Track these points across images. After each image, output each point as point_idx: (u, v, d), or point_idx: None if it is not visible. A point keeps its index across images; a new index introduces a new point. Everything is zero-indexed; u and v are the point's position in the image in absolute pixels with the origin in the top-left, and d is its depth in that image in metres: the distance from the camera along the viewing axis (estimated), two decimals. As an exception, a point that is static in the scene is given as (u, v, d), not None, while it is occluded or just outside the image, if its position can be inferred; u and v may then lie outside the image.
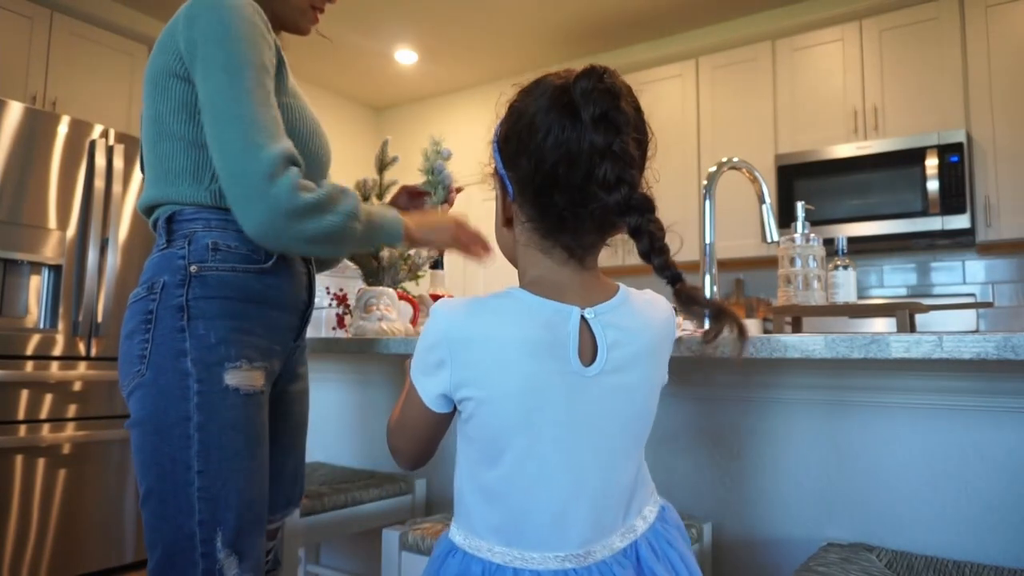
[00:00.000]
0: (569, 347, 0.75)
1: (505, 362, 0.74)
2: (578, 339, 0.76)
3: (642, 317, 0.82)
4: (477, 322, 0.76)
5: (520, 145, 0.78)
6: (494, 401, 0.75)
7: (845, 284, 1.80)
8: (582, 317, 0.76)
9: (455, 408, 0.80)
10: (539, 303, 0.77)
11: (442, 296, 1.85)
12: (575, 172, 0.74)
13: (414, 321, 1.81)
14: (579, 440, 0.76)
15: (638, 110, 0.78)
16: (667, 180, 4.03)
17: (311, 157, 1.14)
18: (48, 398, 2.58)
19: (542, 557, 0.74)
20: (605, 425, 0.77)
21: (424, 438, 0.85)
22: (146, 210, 1.13)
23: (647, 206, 0.73)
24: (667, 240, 0.76)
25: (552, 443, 0.75)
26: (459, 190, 1.62)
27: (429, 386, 0.79)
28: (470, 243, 1.24)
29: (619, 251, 3.96)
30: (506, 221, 0.85)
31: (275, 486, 1.23)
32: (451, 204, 1.62)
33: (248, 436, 1.03)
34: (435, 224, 1.24)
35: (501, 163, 0.82)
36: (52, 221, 2.65)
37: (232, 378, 1.03)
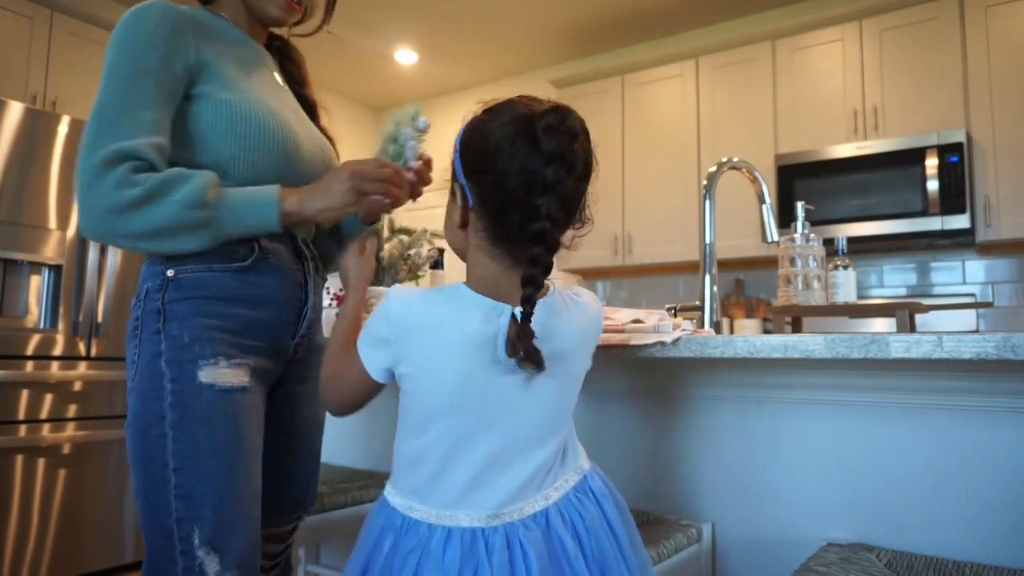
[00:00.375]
0: (498, 341, 0.84)
1: (444, 348, 0.85)
2: (506, 334, 0.85)
3: (567, 315, 0.92)
4: (424, 310, 0.87)
5: (485, 163, 0.86)
6: (429, 382, 0.87)
7: (845, 284, 1.80)
8: (512, 314, 0.85)
9: (391, 380, 0.93)
10: (479, 299, 0.87)
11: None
12: (531, 196, 0.83)
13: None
14: (498, 422, 0.87)
15: (589, 152, 0.88)
16: (667, 180, 4.06)
17: (256, 147, 1.10)
18: (48, 398, 2.58)
19: (453, 515, 0.86)
20: (525, 410, 0.88)
21: (357, 398, 0.97)
22: None
23: (554, 246, 0.85)
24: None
25: (474, 424, 0.87)
26: (426, 163, 1.32)
27: (375, 358, 0.91)
28: (379, 190, 1.09)
29: (619, 251, 3.96)
30: (462, 223, 0.91)
31: (283, 488, 1.21)
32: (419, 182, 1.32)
33: (226, 432, 1.03)
34: (324, 186, 1.08)
35: (462, 173, 0.89)
36: (52, 221, 2.65)
37: (207, 375, 1.03)
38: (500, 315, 0.86)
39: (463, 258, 0.94)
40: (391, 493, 0.92)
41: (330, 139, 1.34)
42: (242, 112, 1.09)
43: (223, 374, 1.04)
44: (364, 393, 0.96)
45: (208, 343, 1.05)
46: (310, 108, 1.33)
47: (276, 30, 1.32)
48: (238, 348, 1.08)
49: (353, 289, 1.08)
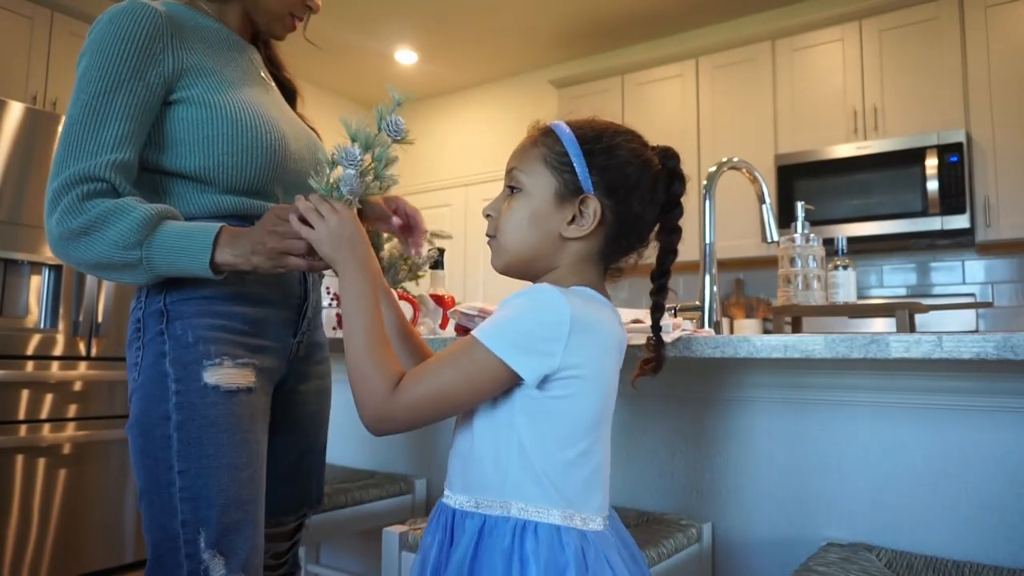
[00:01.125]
0: (620, 352, 0.90)
1: (603, 350, 0.85)
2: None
3: None
4: (591, 310, 0.84)
5: (627, 184, 0.89)
6: (594, 385, 0.84)
7: (845, 284, 1.80)
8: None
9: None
10: (607, 303, 0.90)
11: (442, 296, 1.85)
12: (649, 227, 0.94)
13: (414, 321, 1.81)
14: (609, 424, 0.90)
15: None
16: (667, 180, 3.91)
17: (244, 152, 1.06)
18: (48, 398, 2.58)
19: (597, 519, 0.84)
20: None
21: (447, 410, 0.84)
22: None
23: (675, 254, 0.98)
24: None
25: (608, 425, 0.89)
26: (396, 209, 1.23)
27: (533, 364, 0.79)
28: (292, 248, 0.96)
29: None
30: (571, 234, 0.88)
31: (287, 487, 1.21)
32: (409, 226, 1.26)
33: (231, 434, 1.01)
34: (245, 239, 0.98)
35: (591, 184, 0.88)
36: (52, 221, 2.65)
37: (211, 376, 1.01)
38: (621, 323, 0.91)
39: (541, 265, 0.90)
40: (540, 512, 0.81)
41: (312, 129, 1.29)
42: (228, 116, 1.06)
43: (228, 375, 1.03)
44: (463, 407, 0.85)
45: (212, 343, 1.03)
46: (290, 95, 1.29)
47: None
48: (243, 347, 1.06)
49: (360, 267, 0.90)
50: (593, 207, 0.87)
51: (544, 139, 0.90)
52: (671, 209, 0.94)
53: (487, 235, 0.94)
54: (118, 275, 1.00)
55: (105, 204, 0.97)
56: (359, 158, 0.93)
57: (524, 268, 0.91)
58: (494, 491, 0.83)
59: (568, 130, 0.90)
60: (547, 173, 0.88)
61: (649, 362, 1.01)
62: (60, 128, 1.01)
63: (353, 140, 0.94)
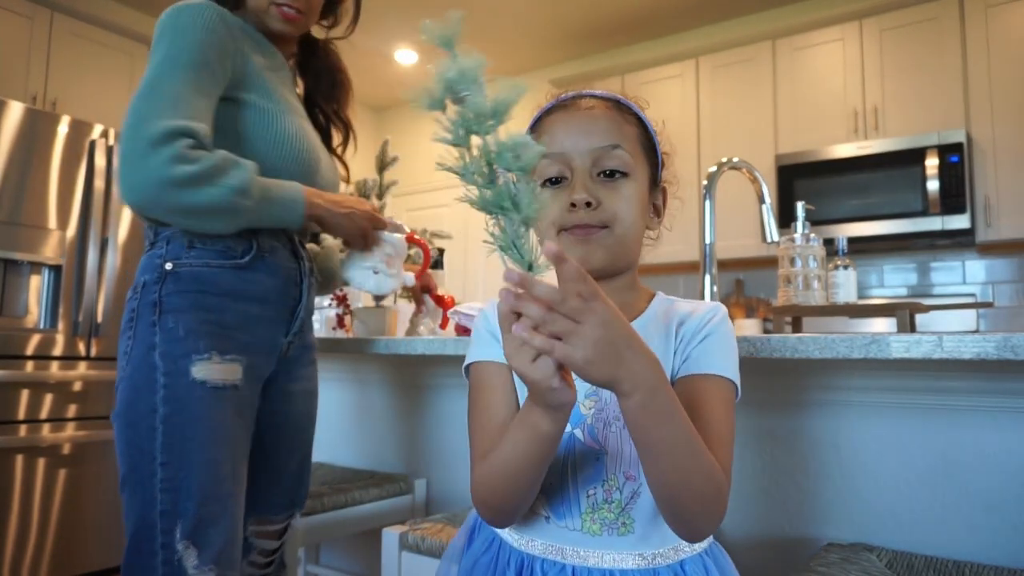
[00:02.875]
0: None
1: None
2: None
3: None
4: None
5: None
6: None
7: (845, 284, 1.80)
8: None
9: None
10: None
11: (442, 296, 1.84)
12: None
13: (424, 289, 1.80)
14: None
15: None
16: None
17: (285, 158, 1.16)
18: (48, 398, 2.58)
19: None
20: None
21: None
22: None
23: None
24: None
25: None
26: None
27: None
28: (370, 241, 1.27)
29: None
30: (652, 215, 0.84)
31: (276, 486, 1.23)
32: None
33: (214, 430, 1.03)
34: (347, 208, 1.21)
35: (661, 163, 0.83)
36: (52, 221, 2.65)
37: (199, 371, 1.03)
38: None
39: (635, 257, 0.82)
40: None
41: (344, 163, 1.39)
42: (280, 123, 1.15)
43: (216, 370, 1.05)
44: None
45: (202, 337, 1.05)
46: (328, 129, 1.37)
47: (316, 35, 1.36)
48: (233, 343, 1.08)
49: (653, 367, 0.61)
50: (664, 200, 0.84)
51: (629, 116, 0.80)
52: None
53: (591, 225, 0.76)
54: (217, 221, 1.05)
55: (215, 154, 1.02)
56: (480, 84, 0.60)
57: (628, 263, 0.81)
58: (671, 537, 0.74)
59: (647, 119, 0.83)
60: (643, 157, 0.80)
61: None
62: (144, 81, 1.04)
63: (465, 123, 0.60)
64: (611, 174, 0.77)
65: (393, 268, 1.34)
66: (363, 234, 1.24)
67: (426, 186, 5.23)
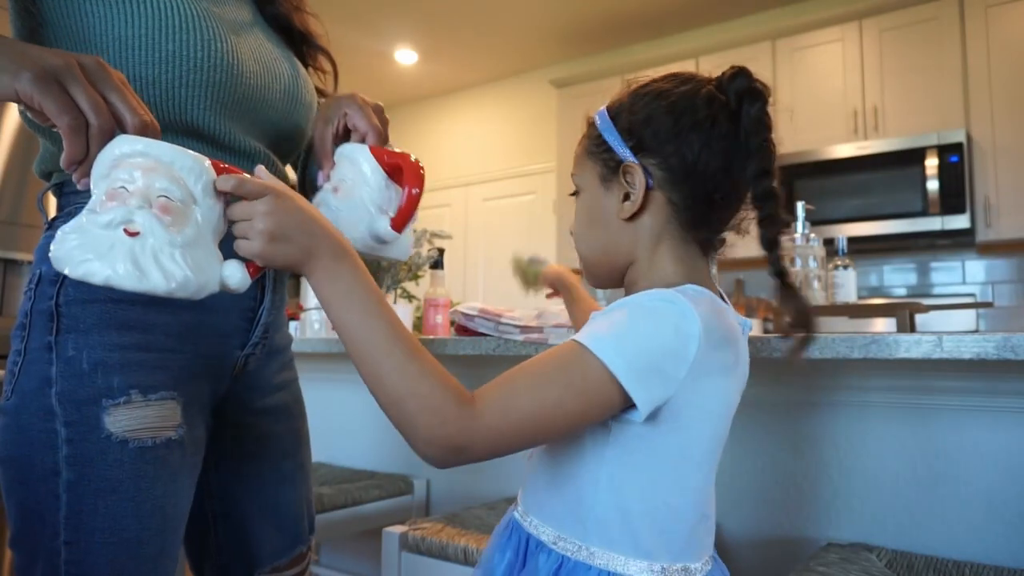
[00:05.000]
0: (743, 366, 0.75)
1: (729, 371, 0.71)
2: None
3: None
4: (719, 318, 0.69)
5: (664, 130, 0.72)
6: (713, 417, 0.71)
7: (845, 284, 1.80)
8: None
9: None
10: (728, 303, 0.75)
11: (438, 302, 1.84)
12: (736, 164, 0.72)
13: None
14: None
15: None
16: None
17: (167, 64, 0.76)
18: (48, 398, 2.58)
19: (698, 564, 0.71)
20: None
21: (547, 441, 0.71)
22: (43, 176, 0.83)
23: (779, 199, 0.72)
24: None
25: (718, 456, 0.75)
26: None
27: (651, 391, 0.63)
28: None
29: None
30: (634, 214, 0.73)
31: (270, 527, 0.95)
32: None
33: (138, 502, 0.74)
34: (10, 53, 0.60)
35: (630, 149, 0.73)
36: (52, 221, 2.65)
37: (115, 422, 0.73)
38: (742, 334, 0.74)
39: (620, 261, 0.76)
40: (628, 565, 0.67)
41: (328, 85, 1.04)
42: (150, 7, 0.76)
43: (139, 418, 0.74)
44: (568, 432, 0.68)
45: (116, 371, 0.74)
46: (293, 37, 0.99)
47: None
48: (162, 372, 0.77)
49: (339, 255, 0.65)
50: (637, 174, 0.72)
51: (588, 131, 0.80)
52: (748, 139, 0.71)
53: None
54: None
55: None
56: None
57: (609, 273, 0.78)
58: (572, 529, 0.70)
59: (602, 108, 0.79)
60: (590, 162, 0.78)
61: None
62: None
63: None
64: (575, 195, 0.80)
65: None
66: (70, 115, 0.59)
67: (426, 186, 5.22)
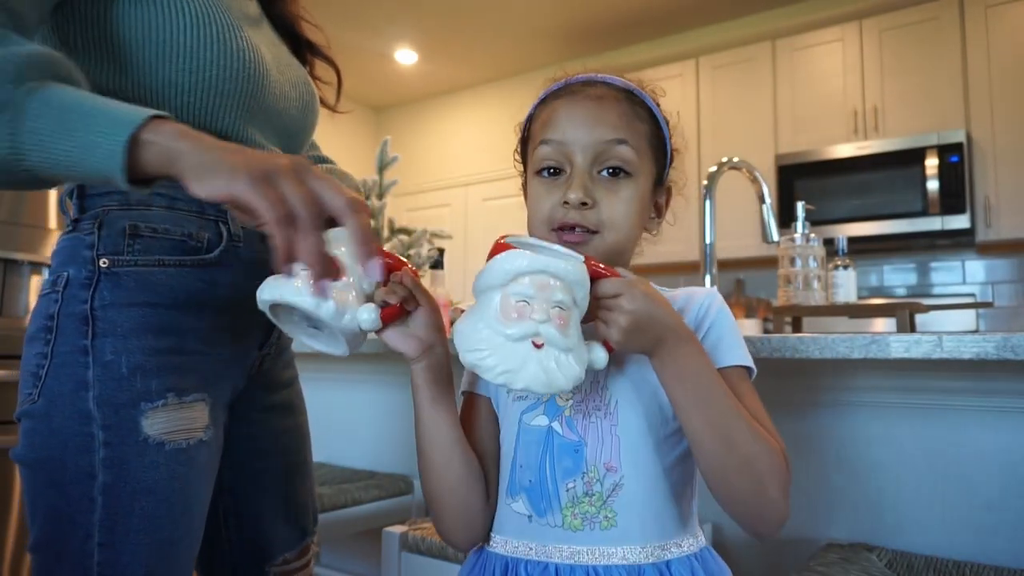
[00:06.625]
0: None
1: None
2: None
3: None
4: None
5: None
6: None
7: (845, 284, 1.80)
8: None
9: None
10: None
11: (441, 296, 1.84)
12: None
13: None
14: None
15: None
16: (667, 180, 3.92)
17: (207, 70, 0.77)
18: (48, 398, 2.58)
19: None
20: None
21: None
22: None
23: None
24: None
25: None
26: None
27: None
28: (303, 229, 0.59)
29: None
30: (651, 216, 0.79)
31: (282, 520, 0.98)
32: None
33: (171, 504, 0.76)
34: (248, 159, 0.61)
35: (670, 161, 0.79)
36: (52, 221, 2.65)
37: (153, 425, 0.75)
38: None
39: (627, 257, 0.79)
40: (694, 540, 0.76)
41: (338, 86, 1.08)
42: (191, 14, 0.77)
43: (175, 420, 0.77)
44: None
45: (154, 374, 0.76)
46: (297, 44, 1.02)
47: None
48: (194, 375, 0.80)
49: (685, 339, 0.68)
50: (668, 199, 0.79)
51: (640, 110, 0.75)
52: None
53: (581, 227, 0.72)
54: None
55: None
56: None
57: (614, 262, 0.76)
58: (680, 531, 0.75)
59: (656, 106, 0.77)
60: (650, 155, 0.75)
61: None
62: None
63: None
64: (614, 172, 0.72)
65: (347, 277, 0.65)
66: (282, 210, 0.59)
67: (426, 186, 5.23)
